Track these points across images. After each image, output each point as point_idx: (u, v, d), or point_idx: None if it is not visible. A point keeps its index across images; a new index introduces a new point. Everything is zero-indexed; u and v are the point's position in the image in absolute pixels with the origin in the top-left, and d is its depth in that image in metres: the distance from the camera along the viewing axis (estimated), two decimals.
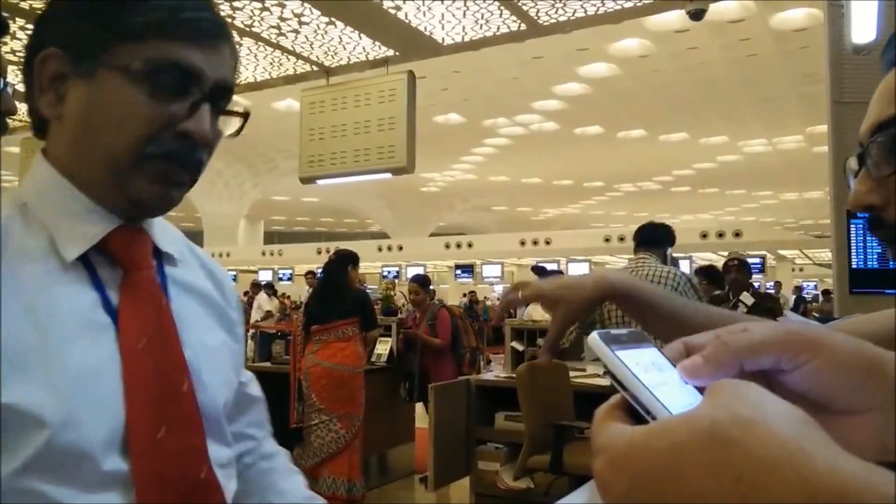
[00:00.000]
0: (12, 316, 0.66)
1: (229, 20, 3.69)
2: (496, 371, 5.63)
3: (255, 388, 0.97)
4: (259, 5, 3.67)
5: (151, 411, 0.71)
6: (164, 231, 0.84)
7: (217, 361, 0.83)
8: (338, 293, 4.53)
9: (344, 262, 4.68)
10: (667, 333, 0.90)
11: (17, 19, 3.98)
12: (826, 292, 12.25)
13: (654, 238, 3.58)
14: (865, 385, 0.36)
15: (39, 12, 0.80)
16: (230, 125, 0.82)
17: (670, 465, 0.30)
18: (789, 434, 0.29)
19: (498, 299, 22.75)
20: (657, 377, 0.35)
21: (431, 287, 5.94)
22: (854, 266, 4.11)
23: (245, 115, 0.82)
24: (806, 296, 15.64)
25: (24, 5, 3.77)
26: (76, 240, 0.73)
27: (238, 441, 0.91)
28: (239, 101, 0.83)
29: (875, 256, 4.16)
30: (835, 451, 0.29)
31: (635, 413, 0.34)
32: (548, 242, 18.20)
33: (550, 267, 9.86)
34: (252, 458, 0.95)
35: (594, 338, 0.36)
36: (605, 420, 0.35)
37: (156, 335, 0.75)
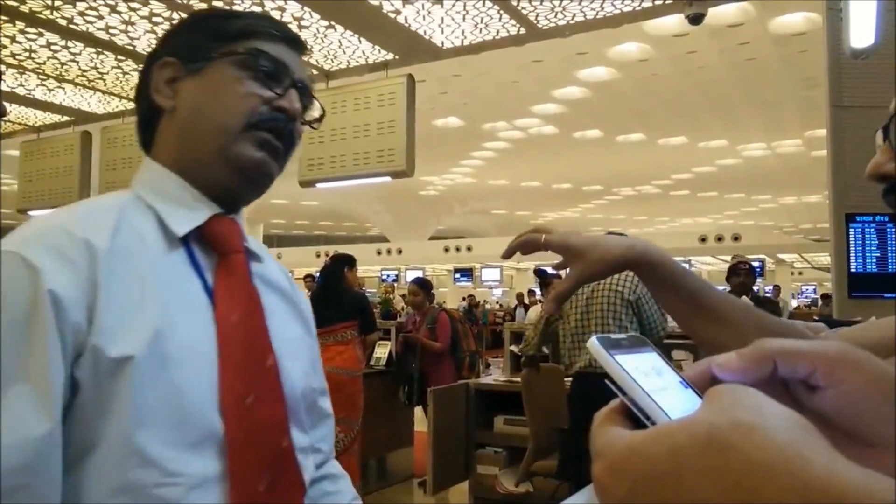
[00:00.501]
0: (126, 282, 0.75)
1: None
2: (495, 375, 5.63)
3: (327, 403, 1.05)
4: (259, 9, 3.67)
5: (242, 379, 0.79)
6: (253, 244, 0.95)
7: (295, 352, 0.91)
8: (336, 296, 4.53)
9: (341, 265, 4.67)
10: (683, 313, 0.89)
11: (16, 23, 3.99)
12: (825, 296, 12.25)
13: None
14: None
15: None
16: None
17: (669, 469, 0.30)
18: (788, 439, 0.29)
19: (498, 303, 22.73)
20: (657, 382, 0.35)
21: (432, 291, 5.93)
22: (853, 270, 4.11)
23: (321, 116, 0.98)
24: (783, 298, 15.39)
25: (24, 9, 3.77)
26: (184, 220, 0.84)
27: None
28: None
29: (874, 260, 4.16)
30: (834, 457, 0.29)
31: (634, 418, 0.34)
32: None
33: (551, 271, 9.85)
34: (318, 473, 0.99)
35: (593, 342, 0.36)
36: (604, 424, 0.35)
37: (246, 312, 0.84)
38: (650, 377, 0.35)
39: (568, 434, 3.75)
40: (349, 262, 4.74)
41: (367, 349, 4.80)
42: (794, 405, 0.34)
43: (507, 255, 0.96)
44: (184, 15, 3.99)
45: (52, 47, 4.37)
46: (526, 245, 0.92)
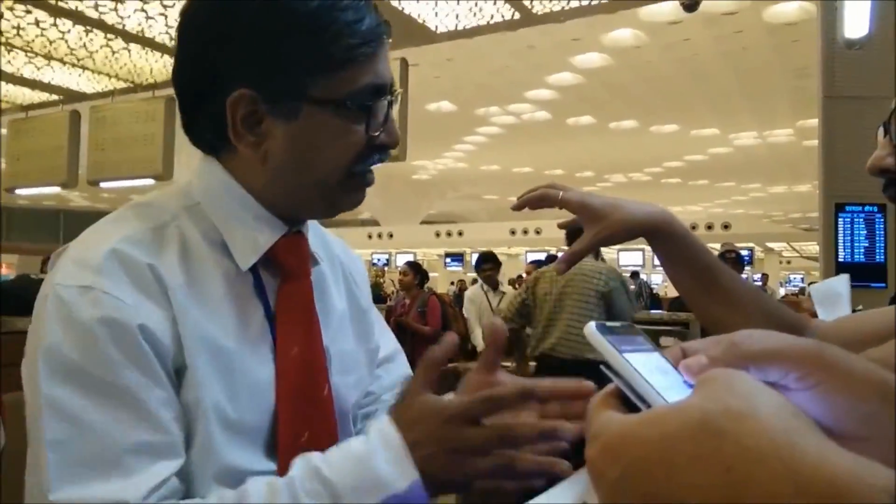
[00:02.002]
0: (196, 316, 0.71)
1: None
2: None
3: (396, 363, 0.98)
4: None
5: (297, 416, 0.76)
6: (311, 230, 0.88)
7: (348, 365, 0.85)
8: None
9: None
10: (692, 289, 0.88)
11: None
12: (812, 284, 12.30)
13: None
14: (876, 413, 0.34)
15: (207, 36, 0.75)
16: None
17: (661, 455, 0.31)
18: (779, 426, 0.29)
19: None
20: (651, 366, 0.36)
21: (425, 276, 5.96)
22: (841, 259, 4.14)
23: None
24: None
25: None
26: (248, 248, 0.77)
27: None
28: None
29: (862, 250, 4.19)
30: (824, 444, 0.29)
31: (630, 402, 0.34)
32: (538, 232, 18.22)
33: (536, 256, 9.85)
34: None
35: (590, 328, 0.37)
36: (600, 408, 0.35)
37: (306, 343, 0.79)
38: (645, 361, 0.36)
39: None
40: None
41: None
42: None
43: (518, 207, 0.90)
44: None
45: (41, 24, 4.31)
46: (540, 200, 0.87)
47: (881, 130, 0.72)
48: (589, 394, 0.69)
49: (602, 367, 0.36)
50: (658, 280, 17.23)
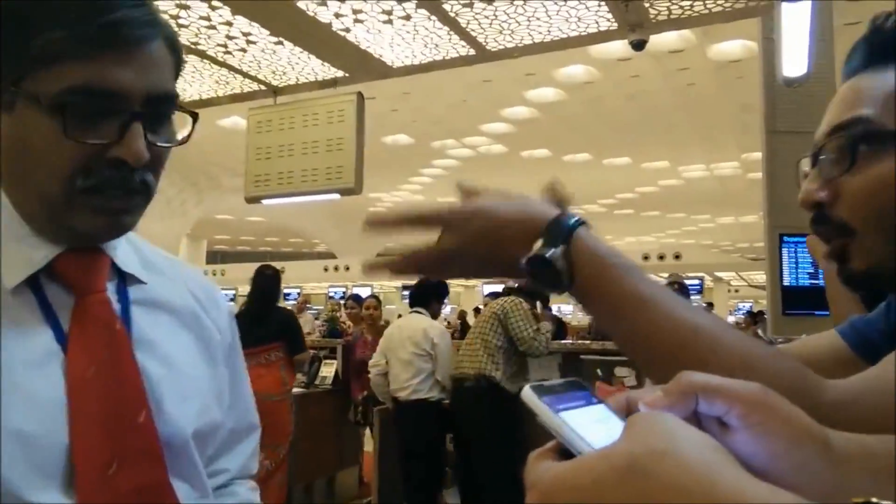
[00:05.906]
0: None
1: None
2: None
3: (246, 421, 0.94)
4: (206, 23, 3.62)
5: (101, 445, 0.68)
6: (128, 249, 0.81)
7: (189, 388, 0.78)
8: (266, 314, 4.27)
9: (276, 281, 4.43)
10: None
11: None
12: (760, 313, 12.64)
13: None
14: (810, 462, 0.36)
15: None
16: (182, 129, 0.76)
17: (594, 498, 0.32)
18: (698, 462, 0.31)
19: (445, 320, 22.67)
20: (590, 420, 0.37)
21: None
22: (786, 284, 4.27)
23: (194, 118, 0.77)
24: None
25: None
26: (19, 265, 0.70)
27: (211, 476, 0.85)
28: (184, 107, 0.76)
29: (806, 276, 4.33)
30: (742, 475, 0.31)
31: (568, 454, 0.35)
32: None
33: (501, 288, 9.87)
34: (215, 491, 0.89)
35: (526, 391, 0.37)
36: (538, 459, 0.36)
37: (108, 362, 0.71)
38: (583, 415, 0.36)
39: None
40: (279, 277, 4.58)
41: (296, 369, 4.55)
42: None
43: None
44: None
45: None
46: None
47: (805, 163, 0.70)
48: None
49: (538, 422, 0.37)
50: (569, 310, 16.94)
